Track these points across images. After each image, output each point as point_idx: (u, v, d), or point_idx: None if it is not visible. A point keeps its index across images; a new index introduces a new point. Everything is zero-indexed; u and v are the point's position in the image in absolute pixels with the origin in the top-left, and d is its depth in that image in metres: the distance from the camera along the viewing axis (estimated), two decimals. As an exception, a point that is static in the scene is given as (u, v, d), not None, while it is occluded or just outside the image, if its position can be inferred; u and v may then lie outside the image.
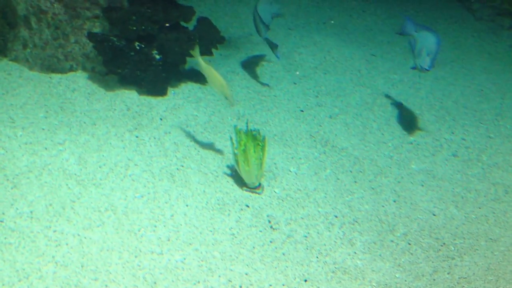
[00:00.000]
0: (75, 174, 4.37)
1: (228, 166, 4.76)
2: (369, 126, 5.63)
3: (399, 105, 6.03)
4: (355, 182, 4.82)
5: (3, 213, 3.91)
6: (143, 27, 5.48)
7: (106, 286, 3.49)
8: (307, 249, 4.05)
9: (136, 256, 3.74)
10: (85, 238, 3.82)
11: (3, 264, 3.51)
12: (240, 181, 4.57)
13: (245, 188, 4.53)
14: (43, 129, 4.84)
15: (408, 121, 5.78)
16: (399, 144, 5.39)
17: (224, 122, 5.37)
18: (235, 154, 4.55)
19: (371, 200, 4.62)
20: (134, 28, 5.47)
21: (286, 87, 6.17)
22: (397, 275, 3.92)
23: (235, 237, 4.05)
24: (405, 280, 3.88)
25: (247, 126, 4.62)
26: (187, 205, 4.26)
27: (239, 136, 4.52)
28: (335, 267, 3.92)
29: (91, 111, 5.21)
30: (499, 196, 4.79)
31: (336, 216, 4.40)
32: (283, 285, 3.72)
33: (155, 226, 4.02)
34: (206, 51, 5.74)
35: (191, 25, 5.85)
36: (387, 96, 6.18)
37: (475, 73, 7.00)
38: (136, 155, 4.69)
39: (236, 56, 6.71)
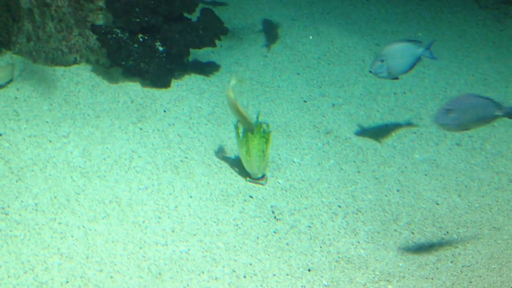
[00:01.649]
0: (80, 167, 4.40)
1: (231, 158, 4.77)
2: (372, 116, 5.63)
3: (403, 95, 6.02)
4: (359, 172, 4.83)
5: (9, 206, 3.94)
6: (147, 19, 5.49)
7: (111, 277, 3.52)
8: (311, 239, 4.07)
9: (140, 248, 3.77)
10: (90, 230, 3.84)
11: (9, 256, 3.55)
12: (244, 172, 4.59)
13: (248, 179, 4.55)
14: (47, 122, 4.87)
15: (412, 110, 5.77)
16: (402, 134, 5.39)
17: (227, 114, 5.38)
18: (239, 145, 4.56)
19: (375, 189, 4.63)
20: (138, 20, 5.48)
21: (289, 77, 6.17)
22: (400, 264, 3.93)
23: (239, 227, 4.07)
24: (409, 269, 3.89)
25: (257, 118, 4.61)
26: (191, 197, 4.28)
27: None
28: (339, 257, 3.94)
29: (95, 103, 5.23)
30: (502, 184, 4.79)
31: (339, 206, 4.41)
32: (287, 274, 3.74)
33: (160, 218, 4.04)
34: (209, 43, 5.74)
35: (194, 16, 5.85)
36: (391, 86, 6.17)
37: (479, 61, 6.98)
38: (140, 147, 4.72)
39: (240, 47, 6.72)
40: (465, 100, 3.80)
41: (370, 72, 4.67)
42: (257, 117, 4.63)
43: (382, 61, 4.58)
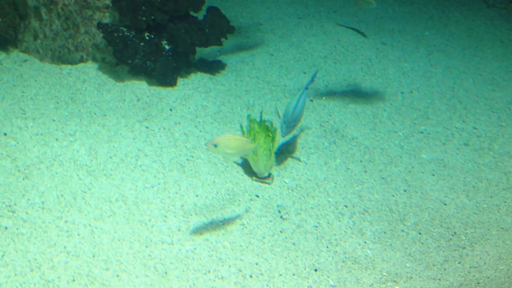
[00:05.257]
0: (86, 165, 4.39)
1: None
2: (379, 115, 5.60)
3: (410, 94, 5.99)
4: (365, 171, 4.81)
5: (15, 204, 3.94)
6: (153, 17, 5.47)
7: (118, 276, 3.51)
8: (317, 239, 4.05)
9: (147, 246, 3.76)
10: (96, 228, 3.84)
11: (16, 254, 3.54)
12: (250, 171, 4.57)
13: (255, 178, 4.54)
14: (54, 120, 4.87)
15: (419, 110, 5.74)
16: (409, 133, 5.36)
17: (233, 112, 5.37)
18: (245, 144, 4.53)
19: (382, 189, 4.61)
20: (144, 18, 5.47)
21: (296, 76, 6.15)
22: (407, 265, 3.91)
23: (245, 227, 4.06)
24: (416, 270, 3.87)
25: (260, 117, 4.61)
26: (197, 195, 4.27)
27: (252, 125, 4.51)
28: (345, 257, 3.92)
29: (101, 102, 5.23)
30: (510, 185, 4.76)
31: (346, 206, 4.39)
32: (293, 274, 3.73)
33: (166, 216, 4.03)
34: (215, 41, 5.73)
35: (200, 14, 5.84)
36: (398, 85, 6.15)
37: (487, 61, 6.94)
38: (146, 146, 4.71)
39: (246, 45, 6.70)
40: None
41: (283, 136, 4.53)
42: (261, 115, 4.62)
43: (287, 123, 4.47)
